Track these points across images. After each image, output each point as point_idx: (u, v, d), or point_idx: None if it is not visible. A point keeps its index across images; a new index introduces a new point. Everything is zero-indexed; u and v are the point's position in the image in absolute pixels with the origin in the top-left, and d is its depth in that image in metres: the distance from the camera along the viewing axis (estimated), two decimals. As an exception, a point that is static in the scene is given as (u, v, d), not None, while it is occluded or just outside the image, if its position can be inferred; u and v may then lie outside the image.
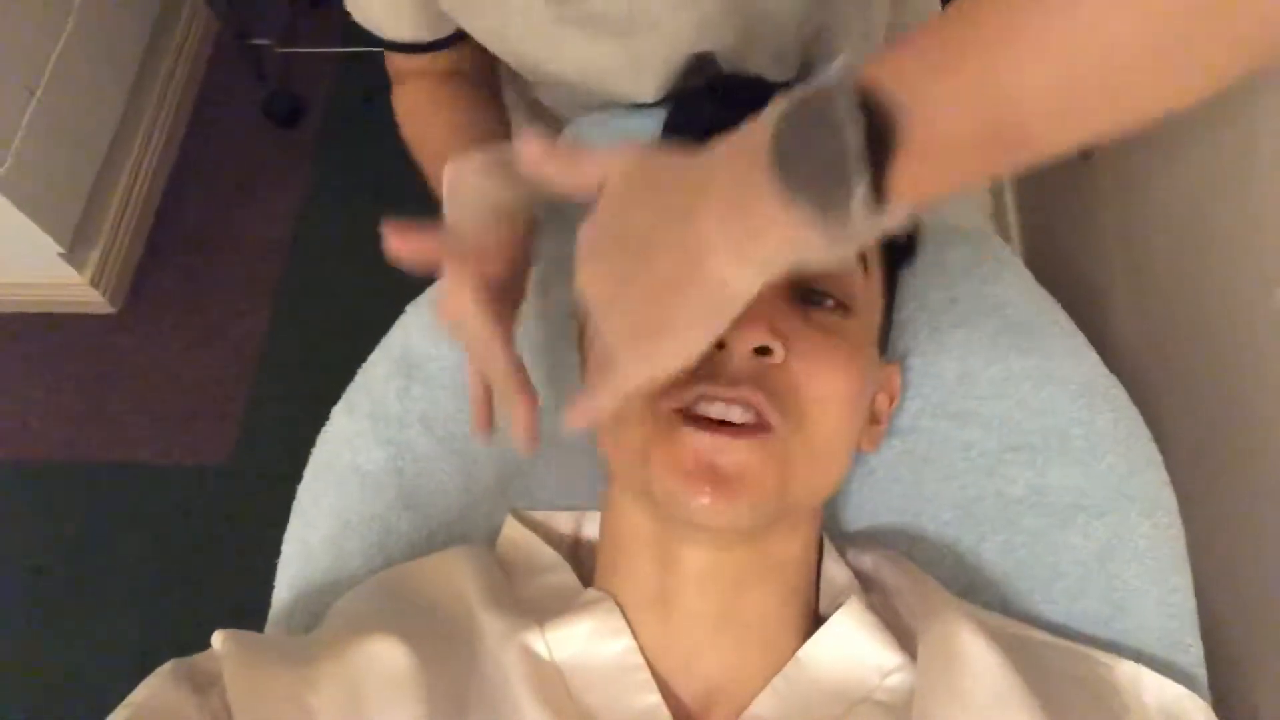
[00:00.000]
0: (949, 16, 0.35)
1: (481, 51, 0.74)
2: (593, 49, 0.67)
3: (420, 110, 0.75)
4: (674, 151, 0.42)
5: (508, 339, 0.55)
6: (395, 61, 0.75)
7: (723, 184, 0.38)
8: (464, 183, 0.59)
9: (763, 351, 0.49)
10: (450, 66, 0.75)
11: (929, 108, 0.34)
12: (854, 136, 0.34)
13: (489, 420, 0.60)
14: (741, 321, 0.47)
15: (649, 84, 0.71)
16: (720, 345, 0.49)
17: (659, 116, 0.69)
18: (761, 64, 0.71)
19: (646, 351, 0.42)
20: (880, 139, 0.34)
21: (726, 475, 0.48)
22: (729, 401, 0.49)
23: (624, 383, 0.44)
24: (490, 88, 0.80)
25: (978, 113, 0.34)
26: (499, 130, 0.74)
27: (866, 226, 0.36)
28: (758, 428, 0.49)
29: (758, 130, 0.37)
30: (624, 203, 0.43)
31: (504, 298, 0.56)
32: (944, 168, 0.35)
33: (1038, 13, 0.32)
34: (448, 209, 0.60)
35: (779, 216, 0.36)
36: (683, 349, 0.42)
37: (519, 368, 0.55)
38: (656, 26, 0.65)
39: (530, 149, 0.46)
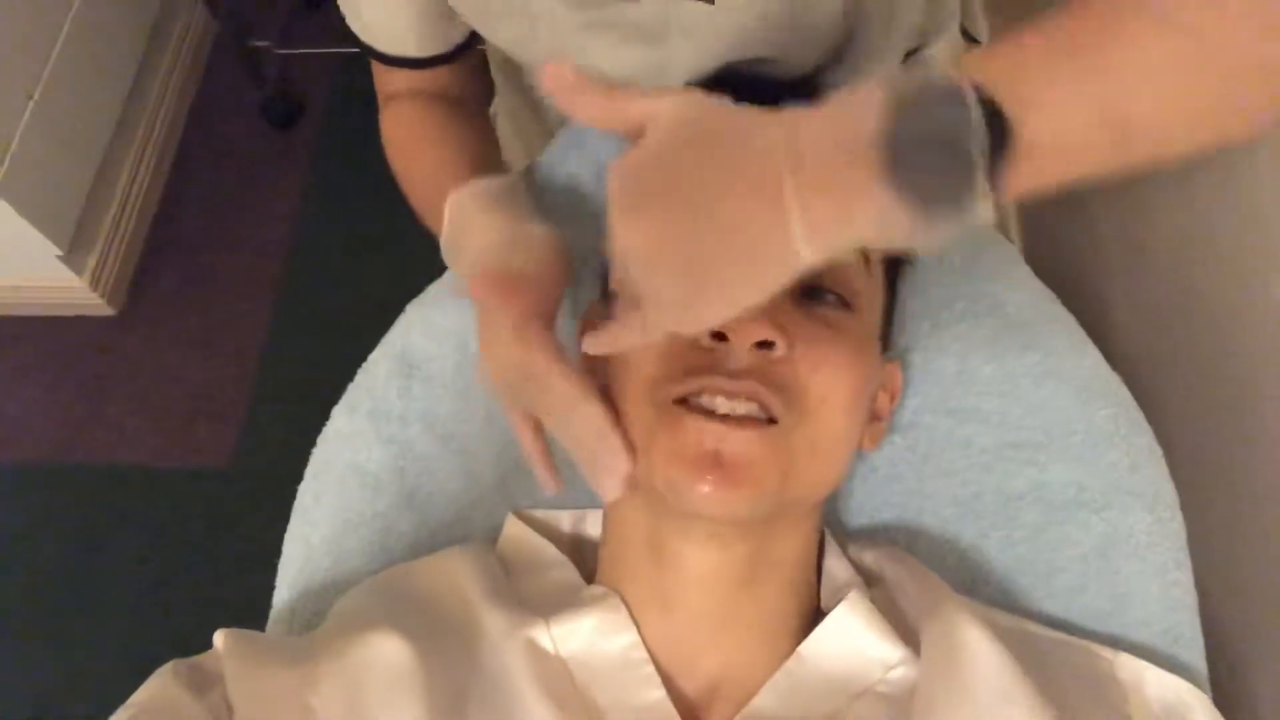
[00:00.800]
0: (1062, 21, 0.36)
1: (475, 73, 0.72)
2: (619, 55, 0.66)
3: (409, 137, 0.72)
4: (736, 107, 0.41)
5: (589, 386, 0.52)
6: (387, 80, 0.73)
7: (814, 162, 0.37)
8: (469, 220, 0.58)
9: (765, 345, 0.49)
10: (442, 88, 0.72)
11: (1046, 111, 0.35)
12: (980, 143, 0.34)
13: (555, 470, 0.59)
14: (744, 315, 0.47)
15: None
16: (722, 338, 0.49)
17: None
18: (780, 69, 0.70)
19: (690, 300, 0.40)
20: (1001, 142, 0.34)
21: (730, 464, 0.48)
22: (732, 394, 0.49)
23: (655, 325, 0.42)
24: (482, 115, 0.78)
25: (1091, 117, 0.35)
26: (491, 158, 0.72)
27: (970, 222, 0.36)
28: (762, 420, 0.49)
29: (862, 116, 0.36)
30: (676, 149, 0.40)
31: (548, 330, 0.54)
32: (1057, 167, 0.36)
33: (1151, 31, 0.35)
34: (454, 246, 0.60)
35: (881, 209, 0.36)
36: (730, 305, 0.40)
37: (612, 417, 0.52)
38: (689, 35, 0.63)
39: (560, 74, 0.42)
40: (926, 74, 0.36)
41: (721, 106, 0.41)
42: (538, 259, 0.57)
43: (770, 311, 0.48)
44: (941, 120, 0.35)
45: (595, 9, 0.61)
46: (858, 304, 0.55)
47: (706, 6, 0.60)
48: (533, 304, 0.54)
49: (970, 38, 1.54)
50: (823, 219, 0.37)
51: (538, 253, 0.57)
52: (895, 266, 0.61)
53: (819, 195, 0.37)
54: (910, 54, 0.80)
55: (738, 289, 0.39)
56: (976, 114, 0.34)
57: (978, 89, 0.35)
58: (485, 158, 0.70)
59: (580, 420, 0.51)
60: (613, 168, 0.41)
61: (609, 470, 0.51)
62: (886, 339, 0.61)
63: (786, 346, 0.49)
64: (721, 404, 0.49)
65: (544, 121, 0.86)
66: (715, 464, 0.48)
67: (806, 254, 0.38)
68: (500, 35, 0.67)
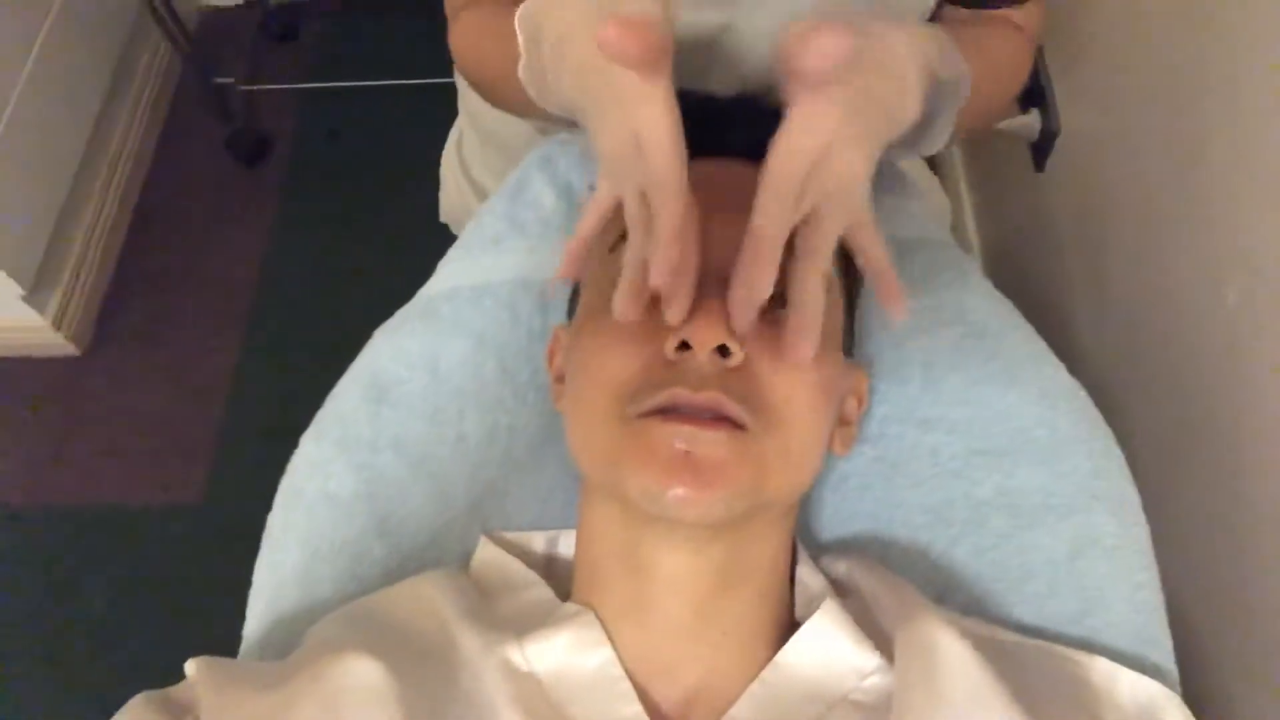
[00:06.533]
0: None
1: None
2: (688, 19, 0.63)
3: (484, 28, 0.66)
4: None
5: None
6: None
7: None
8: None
9: (723, 353, 0.49)
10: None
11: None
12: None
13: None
14: (702, 321, 0.47)
15: (729, 70, 0.67)
16: (685, 347, 0.50)
17: None
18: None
19: None
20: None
21: (704, 465, 0.48)
22: (695, 406, 0.49)
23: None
24: None
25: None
26: None
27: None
28: (731, 423, 0.49)
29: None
30: None
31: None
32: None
33: None
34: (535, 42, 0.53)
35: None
36: None
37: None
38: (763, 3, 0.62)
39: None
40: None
41: None
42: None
43: (726, 316, 0.48)
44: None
45: None
46: None
47: None
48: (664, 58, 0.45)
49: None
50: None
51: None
52: (852, 273, 0.62)
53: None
54: None
55: None
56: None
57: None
58: None
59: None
60: None
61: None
62: (850, 345, 0.61)
63: (742, 353, 0.49)
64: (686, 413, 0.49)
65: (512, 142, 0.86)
66: (687, 466, 0.48)
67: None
68: None
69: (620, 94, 0.45)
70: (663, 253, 0.45)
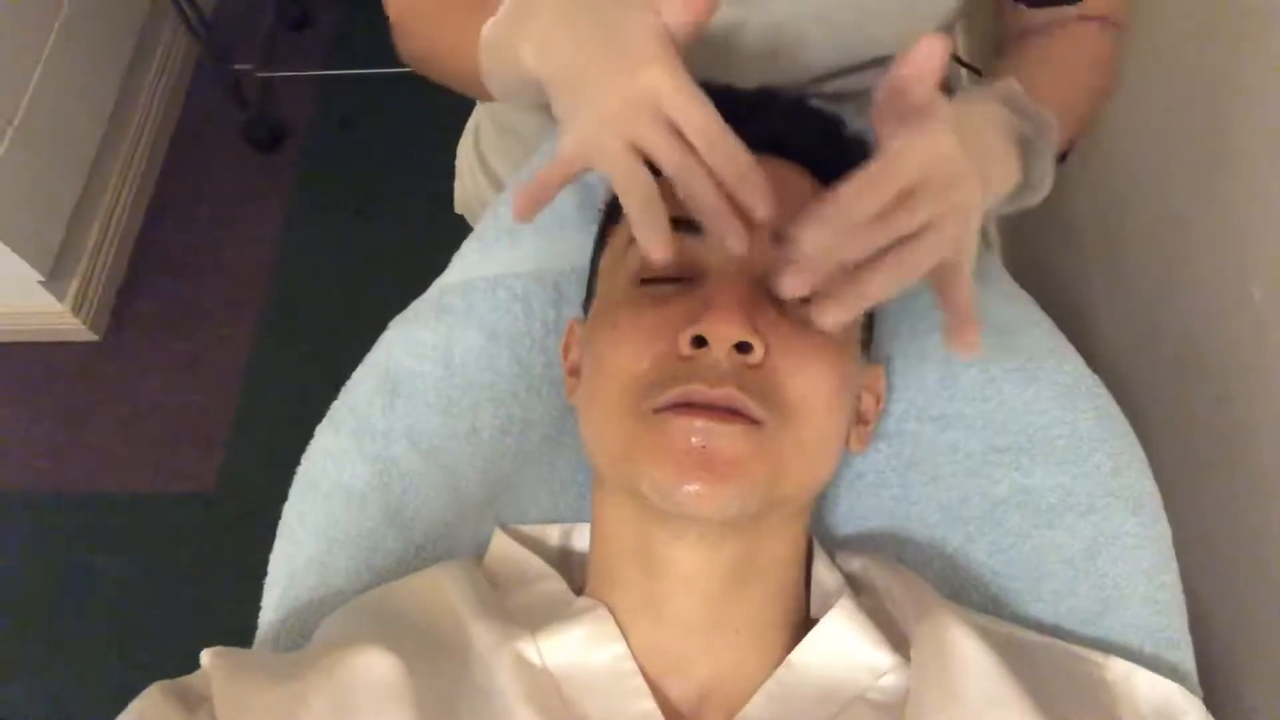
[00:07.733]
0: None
1: None
2: None
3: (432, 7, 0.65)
4: None
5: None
6: None
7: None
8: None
9: (742, 349, 0.49)
10: None
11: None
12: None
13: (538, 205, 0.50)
14: (721, 316, 0.47)
15: (745, 65, 0.67)
16: (701, 343, 0.49)
17: None
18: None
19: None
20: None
21: (719, 460, 0.47)
22: (713, 401, 0.48)
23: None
24: None
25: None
26: None
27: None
28: (747, 419, 0.49)
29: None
30: None
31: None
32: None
33: None
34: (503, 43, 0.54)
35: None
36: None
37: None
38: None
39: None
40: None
41: None
42: None
43: (747, 312, 0.48)
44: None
45: None
46: None
47: None
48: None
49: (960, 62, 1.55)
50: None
51: None
52: None
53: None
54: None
55: None
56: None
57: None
58: None
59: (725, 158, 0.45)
60: None
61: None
62: (867, 342, 0.61)
63: (762, 350, 0.49)
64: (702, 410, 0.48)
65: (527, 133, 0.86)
66: (703, 461, 0.47)
67: None
68: None
69: (625, 51, 0.45)
70: (734, 160, 0.44)
